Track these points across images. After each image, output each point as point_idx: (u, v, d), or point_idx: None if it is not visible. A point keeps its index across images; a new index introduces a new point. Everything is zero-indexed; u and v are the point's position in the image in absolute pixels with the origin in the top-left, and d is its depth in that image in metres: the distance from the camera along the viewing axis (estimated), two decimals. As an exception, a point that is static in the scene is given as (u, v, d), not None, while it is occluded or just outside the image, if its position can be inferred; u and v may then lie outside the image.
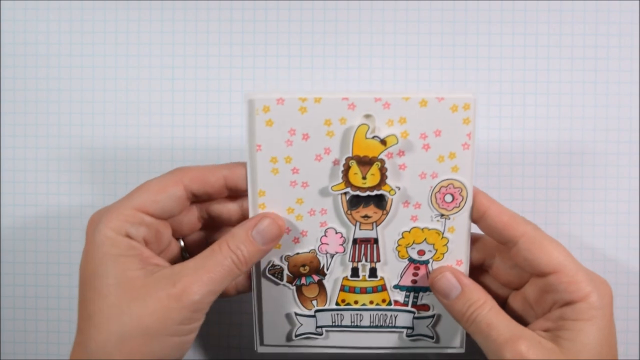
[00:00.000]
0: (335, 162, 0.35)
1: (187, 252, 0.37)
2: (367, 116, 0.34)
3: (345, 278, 0.37)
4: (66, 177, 0.43)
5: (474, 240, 0.37)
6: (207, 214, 0.37)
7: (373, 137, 0.34)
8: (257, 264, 0.37)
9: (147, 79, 0.42)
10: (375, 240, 0.36)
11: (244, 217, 0.36)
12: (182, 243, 0.37)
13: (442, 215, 0.36)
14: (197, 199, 0.36)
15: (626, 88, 0.42)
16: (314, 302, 0.38)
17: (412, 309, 0.37)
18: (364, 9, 0.42)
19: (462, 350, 0.38)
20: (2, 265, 0.43)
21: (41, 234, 0.43)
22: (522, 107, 0.42)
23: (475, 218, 0.36)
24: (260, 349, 0.38)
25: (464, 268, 0.36)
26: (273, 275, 0.37)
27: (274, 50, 0.42)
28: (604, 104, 0.42)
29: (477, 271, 0.38)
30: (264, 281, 0.37)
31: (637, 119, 0.42)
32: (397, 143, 0.34)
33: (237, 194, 0.36)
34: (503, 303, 0.37)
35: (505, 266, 0.36)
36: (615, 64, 0.42)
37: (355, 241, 0.36)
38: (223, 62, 0.42)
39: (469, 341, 0.37)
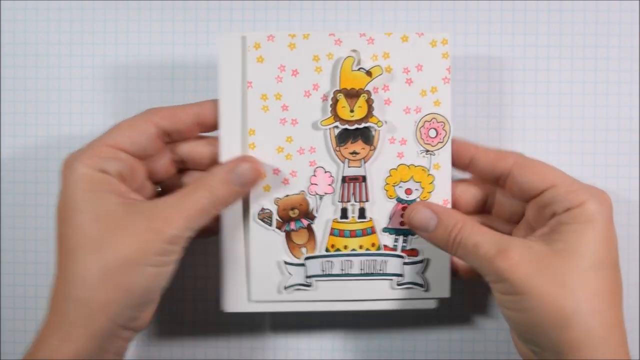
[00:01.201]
0: (324, 98, 0.36)
1: None
2: (353, 51, 0.36)
3: (335, 220, 0.37)
4: (66, 177, 0.43)
5: (473, 179, 0.37)
6: (179, 156, 0.37)
7: (359, 69, 0.36)
8: (247, 210, 0.37)
9: (147, 79, 0.42)
10: (364, 178, 0.37)
11: (215, 158, 0.36)
12: (159, 189, 0.38)
13: (427, 151, 0.37)
14: (169, 137, 0.36)
15: (626, 88, 0.42)
16: (303, 250, 0.37)
17: (402, 254, 0.37)
18: (364, 8, 0.42)
19: (447, 295, 0.38)
20: (2, 265, 0.43)
21: (41, 233, 0.43)
22: (522, 107, 0.42)
23: (464, 164, 0.36)
24: (248, 306, 0.37)
25: (449, 207, 0.37)
26: (262, 220, 0.37)
27: (273, 50, 0.42)
28: (604, 104, 0.42)
29: (481, 214, 0.38)
30: (253, 226, 0.37)
31: (637, 119, 0.42)
32: (381, 74, 0.36)
33: (209, 130, 0.37)
34: None
35: (506, 198, 0.36)
36: (615, 64, 0.42)
37: (344, 179, 0.37)
38: (223, 62, 0.42)
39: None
